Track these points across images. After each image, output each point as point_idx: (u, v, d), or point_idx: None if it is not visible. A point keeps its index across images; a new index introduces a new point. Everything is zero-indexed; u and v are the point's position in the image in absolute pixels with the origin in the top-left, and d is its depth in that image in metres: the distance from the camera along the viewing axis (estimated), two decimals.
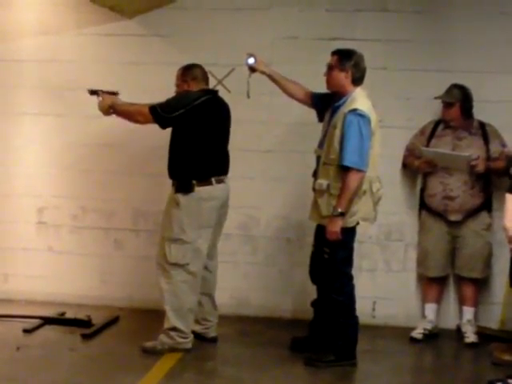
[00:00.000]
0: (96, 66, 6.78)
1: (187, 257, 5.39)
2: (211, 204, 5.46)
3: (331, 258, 5.27)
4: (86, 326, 6.06)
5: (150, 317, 6.15)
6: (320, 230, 5.37)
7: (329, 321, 5.42)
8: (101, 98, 5.60)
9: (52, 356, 5.41)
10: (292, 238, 6.70)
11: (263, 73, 5.63)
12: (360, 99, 5.24)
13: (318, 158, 5.43)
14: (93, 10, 6.56)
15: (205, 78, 5.68)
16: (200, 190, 5.38)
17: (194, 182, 5.37)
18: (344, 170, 5.11)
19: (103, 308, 6.56)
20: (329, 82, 5.39)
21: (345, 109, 5.20)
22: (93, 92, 5.65)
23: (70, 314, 6.32)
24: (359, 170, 5.09)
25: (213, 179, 5.44)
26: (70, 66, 6.83)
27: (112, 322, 6.28)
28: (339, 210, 5.11)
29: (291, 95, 5.75)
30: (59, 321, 6.20)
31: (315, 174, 5.44)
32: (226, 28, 6.63)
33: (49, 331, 6.04)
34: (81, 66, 6.81)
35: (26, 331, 5.95)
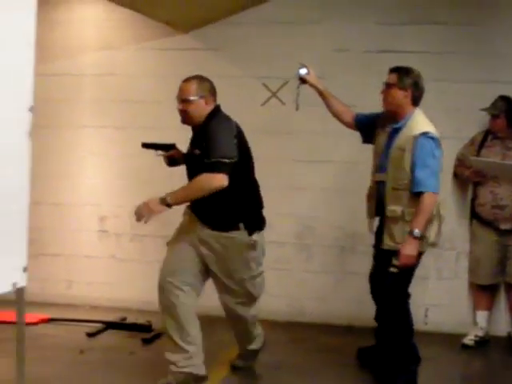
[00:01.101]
0: (152, 80, 7.10)
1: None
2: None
3: (397, 281, 5.12)
4: (146, 330, 6.34)
5: (208, 322, 6.40)
6: (387, 255, 5.13)
7: (391, 338, 5.26)
8: (160, 152, 5.30)
9: (113, 359, 5.68)
10: (346, 246, 6.90)
11: (313, 86, 5.47)
12: (424, 121, 5.11)
13: (378, 183, 5.23)
14: (150, 26, 6.87)
15: None
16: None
17: (261, 214, 5.13)
18: (418, 194, 4.94)
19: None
20: (386, 101, 5.19)
21: (410, 131, 5.03)
22: (147, 146, 5.34)
23: (131, 319, 6.62)
24: (435, 193, 4.95)
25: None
26: (127, 80, 7.16)
27: None
28: (418, 234, 4.91)
29: (336, 114, 5.54)
30: (121, 325, 6.50)
31: (377, 199, 5.24)
32: (278, 41, 6.85)
33: (111, 335, 6.34)
34: (138, 80, 7.13)
35: (89, 335, 6.28)
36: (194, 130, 4.96)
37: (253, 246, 4.95)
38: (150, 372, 5.27)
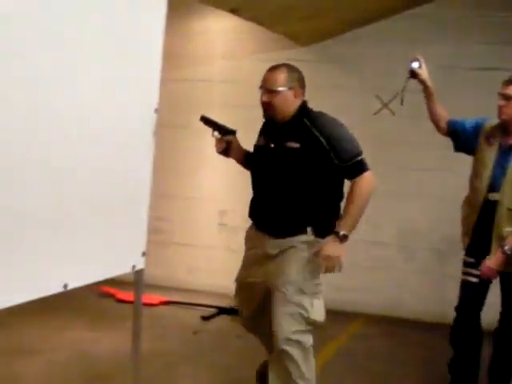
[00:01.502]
0: None
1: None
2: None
3: None
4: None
5: None
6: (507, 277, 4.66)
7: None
8: (216, 134, 4.38)
9: (221, 341, 5.94)
10: (444, 250, 6.94)
11: (422, 82, 4.76)
12: None
13: (488, 201, 4.61)
14: (271, 38, 7.09)
15: None
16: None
17: (334, 222, 4.03)
18: None
19: None
20: (505, 113, 4.57)
21: None
22: (206, 120, 4.41)
23: None
24: None
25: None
26: (249, 87, 7.37)
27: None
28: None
29: (435, 117, 4.91)
30: (233, 311, 6.67)
31: (485, 218, 4.62)
32: (391, 56, 6.95)
33: (223, 320, 6.61)
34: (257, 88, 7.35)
35: (204, 318, 6.56)
36: (278, 123, 4.07)
37: (312, 248, 4.00)
38: (252, 356, 5.41)
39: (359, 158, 3.92)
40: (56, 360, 5.15)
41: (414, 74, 4.78)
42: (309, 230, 3.98)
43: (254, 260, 4.23)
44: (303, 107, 4.08)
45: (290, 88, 4.00)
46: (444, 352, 4.95)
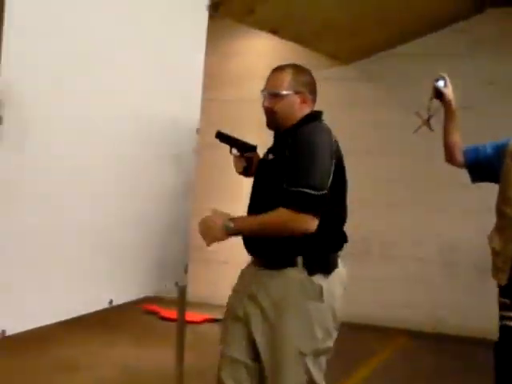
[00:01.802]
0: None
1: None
2: (342, 290, 3.31)
3: None
4: None
5: (359, 330, 6.59)
6: None
7: None
8: (234, 152, 3.68)
9: None
10: (485, 265, 6.90)
11: (447, 103, 4.08)
12: None
13: None
14: (312, 57, 7.13)
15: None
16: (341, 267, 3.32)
17: (336, 254, 3.30)
18: None
19: None
20: None
21: None
22: (222, 137, 3.74)
23: None
24: None
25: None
26: None
27: None
28: None
29: (451, 144, 4.21)
30: None
31: None
32: (430, 72, 6.96)
33: None
34: None
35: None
36: (277, 134, 3.36)
37: (314, 292, 3.15)
38: None
39: (306, 191, 2.99)
40: (100, 376, 5.23)
41: (439, 94, 4.14)
42: (299, 261, 3.14)
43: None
44: (310, 116, 3.29)
45: (296, 92, 3.28)
46: (486, 367, 4.93)
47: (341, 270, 3.30)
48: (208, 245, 3.23)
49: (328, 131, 3.20)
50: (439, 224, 7.03)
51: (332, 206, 3.19)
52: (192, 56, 3.64)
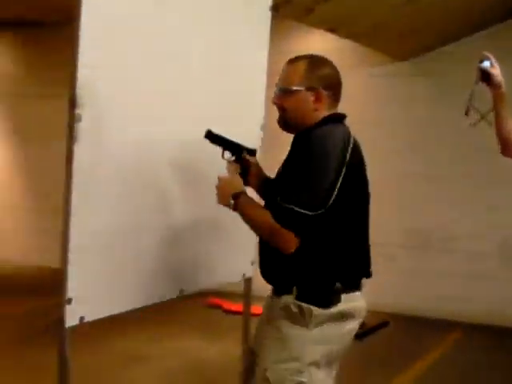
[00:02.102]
0: (373, 103, 7.44)
1: None
2: (353, 325, 2.84)
3: None
4: (359, 327, 6.59)
5: (417, 323, 6.66)
6: None
7: None
8: (227, 155, 3.11)
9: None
10: None
11: (496, 86, 3.33)
12: None
13: None
14: (372, 53, 7.21)
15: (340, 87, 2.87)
16: (346, 300, 2.74)
17: (339, 285, 2.72)
18: None
19: (376, 313, 7.10)
20: None
21: None
22: (212, 137, 3.13)
23: None
24: None
25: (360, 282, 2.87)
26: (351, 103, 7.53)
27: (382, 325, 6.79)
28: None
29: (505, 132, 3.41)
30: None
31: None
32: None
33: None
34: (360, 103, 7.50)
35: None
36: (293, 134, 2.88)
37: (301, 320, 2.72)
38: (354, 362, 5.49)
39: (296, 209, 2.57)
40: (167, 366, 5.40)
41: (485, 76, 3.40)
42: (294, 290, 2.74)
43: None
44: (327, 120, 2.77)
45: (308, 88, 2.76)
46: None
47: (356, 305, 2.79)
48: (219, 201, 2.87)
49: (343, 138, 2.67)
50: (499, 218, 7.04)
51: (339, 227, 2.70)
52: (256, 55, 3.75)
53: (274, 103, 2.86)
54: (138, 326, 6.04)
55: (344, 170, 2.61)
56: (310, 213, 2.57)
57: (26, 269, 8.42)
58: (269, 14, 3.82)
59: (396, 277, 7.36)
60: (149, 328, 6.24)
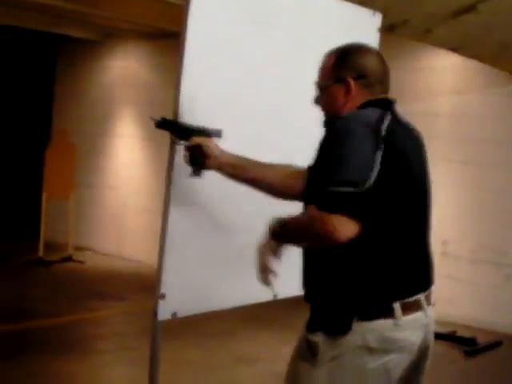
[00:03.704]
0: (497, 122, 7.40)
1: None
2: (388, 359, 2.37)
3: None
4: (470, 344, 6.59)
5: None
6: None
7: None
8: (182, 143, 2.84)
9: (433, 365, 6.04)
10: None
11: None
12: None
13: None
14: (497, 74, 7.13)
15: (386, 77, 2.58)
16: (366, 330, 2.34)
17: (356, 317, 2.33)
18: None
19: (489, 332, 7.04)
20: None
21: None
22: (161, 124, 2.84)
23: (458, 333, 6.87)
24: None
25: (397, 305, 2.35)
26: (475, 121, 7.50)
27: (495, 345, 6.73)
28: None
29: None
30: (448, 337, 6.77)
31: None
32: None
33: (438, 345, 6.66)
34: (484, 121, 7.45)
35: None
36: None
37: (308, 354, 2.41)
38: (461, 381, 5.50)
39: (341, 189, 2.21)
40: (278, 370, 5.54)
41: None
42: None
43: None
44: (362, 106, 2.48)
45: (337, 80, 2.52)
46: None
47: (397, 336, 2.35)
48: (262, 278, 2.56)
49: (372, 116, 2.36)
50: None
51: (375, 228, 2.30)
52: None
53: (314, 103, 2.63)
54: (249, 329, 6.24)
55: (382, 145, 2.27)
56: (352, 189, 2.21)
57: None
58: (377, 35, 3.83)
59: None
60: (259, 332, 6.41)
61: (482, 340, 6.69)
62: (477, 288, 7.41)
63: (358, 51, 2.56)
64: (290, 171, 2.81)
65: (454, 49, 5.87)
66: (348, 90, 2.50)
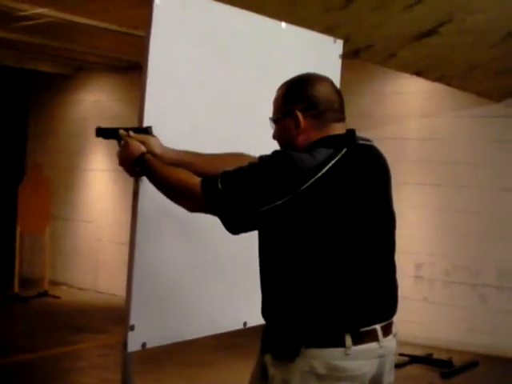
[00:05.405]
0: (466, 144, 7.41)
1: None
2: None
3: None
4: (447, 366, 6.56)
5: (508, 365, 6.53)
6: None
7: None
8: (125, 143, 2.72)
9: None
10: None
11: None
12: None
13: None
14: (464, 96, 7.18)
15: (339, 105, 2.51)
16: (313, 357, 2.30)
17: (305, 343, 2.31)
18: None
19: (465, 353, 7.02)
20: None
21: None
22: (104, 133, 2.86)
23: (435, 355, 6.86)
24: None
25: (348, 335, 2.31)
26: (445, 143, 7.53)
27: (471, 365, 6.70)
28: None
29: None
30: (425, 360, 6.78)
31: None
32: None
33: (414, 368, 6.67)
34: (453, 144, 7.47)
35: (396, 366, 6.62)
36: None
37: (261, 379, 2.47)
38: None
39: (224, 177, 2.38)
40: None
41: None
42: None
43: None
44: (313, 146, 2.40)
45: (285, 114, 2.49)
46: None
47: (347, 364, 2.31)
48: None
49: (322, 161, 2.31)
50: None
51: (316, 258, 2.32)
52: None
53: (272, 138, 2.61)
54: (237, 358, 6.18)
55: (312, 186, 2.27)
56: (220, 202, 2.35)
57: None
58: (339, 62, 3.80)
59: (489, 317, 7.22)
60: (239, 361, 6.36)
61: (458, 361, 6.67)
62: (452, 309, 7.40)
63: (307, 81, 2.50)
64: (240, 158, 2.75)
65: (419, 72, 5.89)
66: (297, 123, 2.46)
